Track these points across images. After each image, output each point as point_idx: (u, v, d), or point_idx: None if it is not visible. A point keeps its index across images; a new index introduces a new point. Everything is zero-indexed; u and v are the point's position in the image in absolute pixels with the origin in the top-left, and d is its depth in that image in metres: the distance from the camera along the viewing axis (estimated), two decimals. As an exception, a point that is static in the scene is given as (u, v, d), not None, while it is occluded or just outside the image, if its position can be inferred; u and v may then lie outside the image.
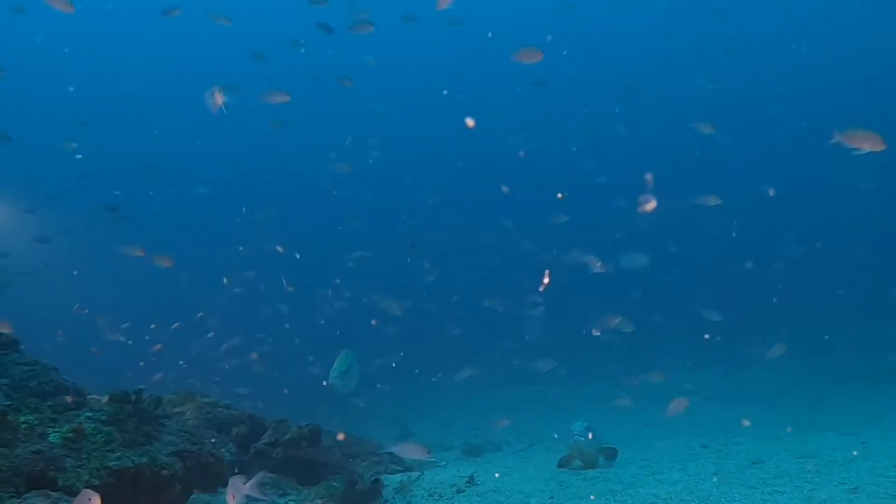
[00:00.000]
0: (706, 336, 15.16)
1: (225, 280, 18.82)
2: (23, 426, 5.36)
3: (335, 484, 6.95)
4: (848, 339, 17.34)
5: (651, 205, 8.27)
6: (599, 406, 14.92)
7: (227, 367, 15.76)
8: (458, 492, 7.47)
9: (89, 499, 4.26)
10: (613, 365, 16.91)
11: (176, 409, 8.16)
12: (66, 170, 25.11)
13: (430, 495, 7.43)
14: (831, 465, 7.56)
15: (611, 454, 8.63)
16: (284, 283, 15.97)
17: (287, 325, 17.74)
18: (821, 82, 33.80)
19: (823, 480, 6.95)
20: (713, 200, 11.97)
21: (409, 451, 7.37)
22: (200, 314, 17.29)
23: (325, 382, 7.40)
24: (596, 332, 12.66)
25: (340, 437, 9.25)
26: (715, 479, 7.31)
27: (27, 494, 4.53)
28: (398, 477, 8.08)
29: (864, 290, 20.92)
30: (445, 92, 29.68)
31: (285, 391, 14.89)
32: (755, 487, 6.91)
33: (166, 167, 30.36)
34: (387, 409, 15.89)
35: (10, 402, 5.54)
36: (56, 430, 5.45)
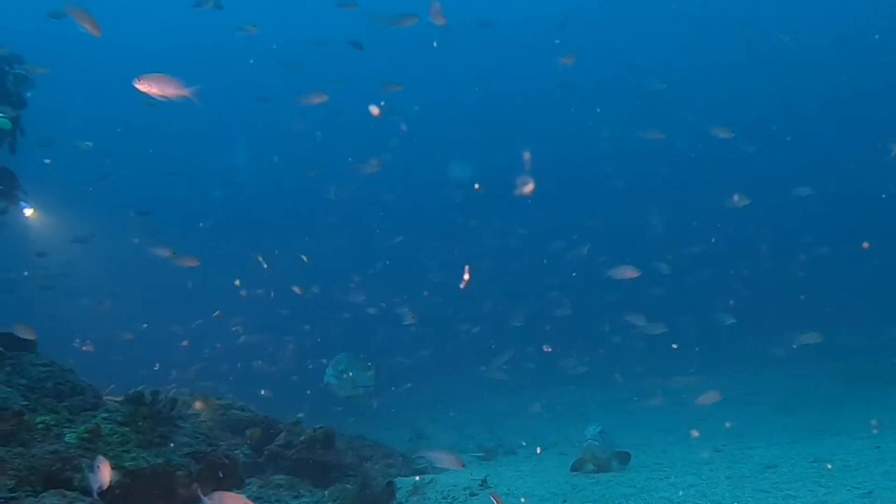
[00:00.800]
0: (674, 345, 15.09)
1: (237, 282, 18.91)
2: (39, 426, 5.42)
3: (349, 486, 6.98)
4: (862, 342, 17.27)
5: (529, 187, 8.16)
6: (612, 410, 14.89)
7: (239, 365, 15.82)
8: (472, 495, 7.48)
9: (99, 465, 4.36)
10: (627, 368, 16.88)
11: (191, 411, 8.20)
12: (94, 171, 25.20)
13: (443, 498, 7.45)
14: (845, 470, 7.51)
15: (624, 458, 8.62)
16: (296, 289, 16.00)
17: (307, 327, 17.77)
18: (846, 85, 33.80)
19: (837, 485, 6.91)
20: (742, 201, 11.84)
21: (443, 460, 7.34)
22: (217, 313, 17.38)
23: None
24: (547, 349, 12.66)
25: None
26: (728, 483, 7.30)
27: (43, 494, 4.58)
28: (412, 479, 8.10)
29: (880, 294, 20.83)
30: (417, 108, 29.61)
31: (308, 391, 14.92)
32: (768, 492, 6.88)
33: (196, 170, 30.51)
34: (400, 412, 15.89)
35: (27, 403, 5.59)
36: (72, 430, 5.50)
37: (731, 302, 18.89)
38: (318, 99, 10.62)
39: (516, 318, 13.39)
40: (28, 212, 9.05)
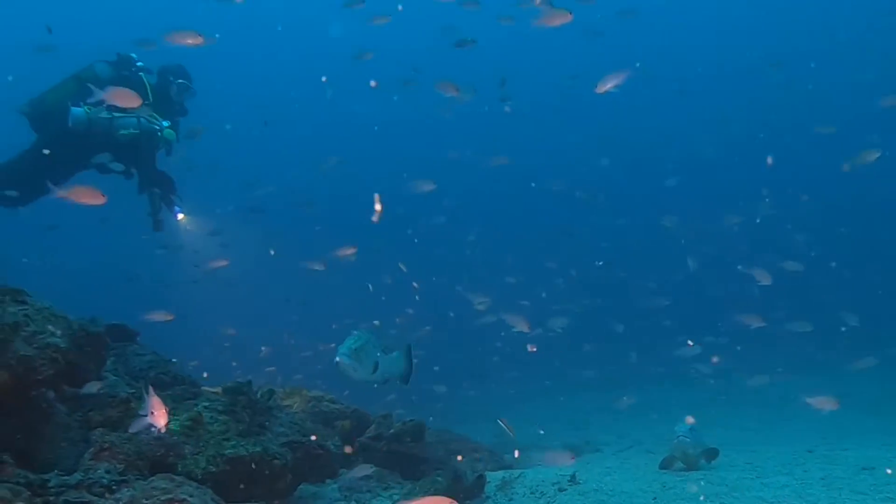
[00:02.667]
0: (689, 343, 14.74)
1: (320, 268, 19.12)
2: (145, 414, 5.61)
3: (439, 479, 7.04)
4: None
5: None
6: (697, 409, 14.66)
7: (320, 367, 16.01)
8: (560, 490, 7.47)
9: (154, 409, 4.56)
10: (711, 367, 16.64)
11: (284, 402, 8.39)
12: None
13: (531, 493, 7.45)
14: (948, 473, 7.30)
15: (711, 456, 8.51)
16: (415, 285, 16.14)
17: (428, 328, 17.82)
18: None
19: (940, 488, 6.73)
20: (872, 155, 11.33)
21: (555, 459, 7.35)
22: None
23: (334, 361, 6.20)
24: (532, 349, 12.45)
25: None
26: (822, 484, 7.15)
27: (152, 478, 4.75)
28: (500, 474, 8.14)
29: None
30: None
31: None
32: (866, 494, 6.72)
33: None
34: (484, 407, 15.95)
35: (132, 391, 5.79)
36: (175, 418, 5.68)
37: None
38: (452, 90, 10.50)
39: (557, 323, 13.13)
40: (180, 216, 9.51)
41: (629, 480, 7.88)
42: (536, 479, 7.82)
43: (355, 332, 6.27)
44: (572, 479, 7.73)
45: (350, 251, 10.84)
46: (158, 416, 4.75)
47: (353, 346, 6.02)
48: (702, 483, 7.46)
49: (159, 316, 8.66)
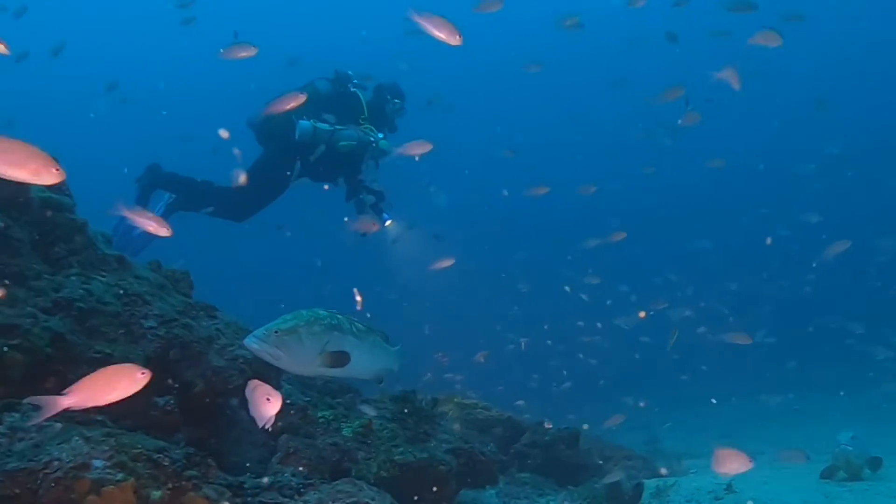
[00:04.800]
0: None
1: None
2: (321, 420, 5.97)
3: (597, 486, 7.17)
4: None
5: None
6: (859, 416, 14.18)
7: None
8: (716, 499, 7.44)
9: (141, 373, 3.66)
10: (872, 372, 16.02)
11: (441, 409, 8.68)
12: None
13: (687, 501, 7.46)
14: None
15: (876, 465, 8.26)
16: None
17: (598, 338, 17.89)
18: None
19: None
20: None
21: (789, 458, 7.39)
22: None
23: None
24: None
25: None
26: None
27: (336, 482, 5.07)
28: (654, 482, 8.16)
29: None
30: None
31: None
32: None
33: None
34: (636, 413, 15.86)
35: (308, 399, 6.17)
36: (348, 424, 6.02)
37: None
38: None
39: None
40: (388, 223, 10.12)
41: (789, 490, 7.76)
42: (691, 487, 7.81)
43: (298, 312, 4.68)
44: (729, 488, 7.68)
45: (621, 236, 11.32)
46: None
47: (277, 328, 4.48)
48: (868, 494, 7.29)
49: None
